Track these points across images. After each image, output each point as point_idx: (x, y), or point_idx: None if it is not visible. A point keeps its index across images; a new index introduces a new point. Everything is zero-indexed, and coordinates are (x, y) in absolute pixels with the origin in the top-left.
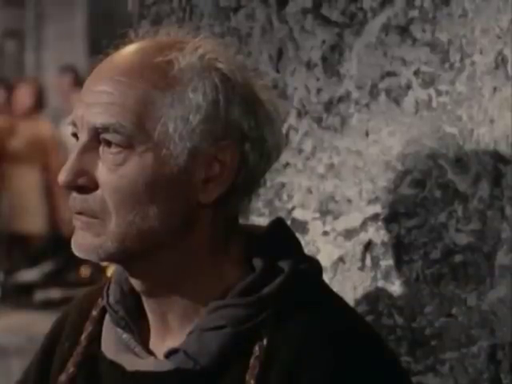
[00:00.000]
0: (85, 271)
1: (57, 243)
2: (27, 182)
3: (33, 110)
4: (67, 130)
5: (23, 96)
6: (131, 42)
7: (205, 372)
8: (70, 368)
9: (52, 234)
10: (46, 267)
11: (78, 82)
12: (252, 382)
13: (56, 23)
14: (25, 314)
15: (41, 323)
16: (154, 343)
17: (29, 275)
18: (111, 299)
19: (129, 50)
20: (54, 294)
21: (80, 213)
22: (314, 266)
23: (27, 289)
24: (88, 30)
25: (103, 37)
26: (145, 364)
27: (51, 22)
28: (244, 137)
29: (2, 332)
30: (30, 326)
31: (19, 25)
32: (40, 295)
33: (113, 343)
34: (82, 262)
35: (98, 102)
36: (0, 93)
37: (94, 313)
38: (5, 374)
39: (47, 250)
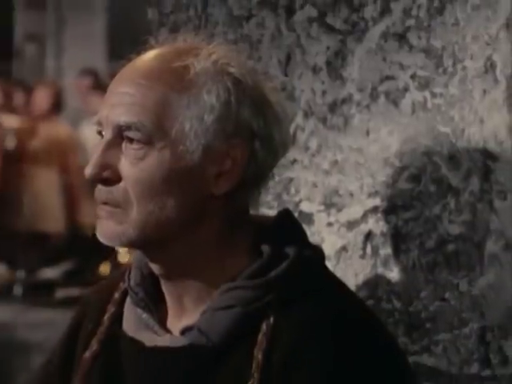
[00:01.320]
0: (104, 270)
1: (76, 242)
2: (46, 182)
3: (51, 112)
4: (86, 131)
5: (42, 98)
6: (151, 48)
7: (216, 347)
8: (94, 346)
9: (71, 234)
10: (65, 266)
11: (97, 84)
12: (260, 356)
13: (76, 27)
14: (45, 311)
15: (61, 320)
16: (170, 322)
17: (49, 274)
18: (132, 282)
19: (149, 55)
20: (74, 292)
21: (104, 203)
22: (318, 253)
23: (48, 287)
24: (107, 35)
25: (122, 41)
26: (162, 340)
27: (71, 26)
28: (253, 135)
29: (24, 328)
30: (50, 323)
31: (39, 29)
32: (60, 293)
33: (133, 322)
34: (100, 260)
35: (121, 102)
36: (19, 95)
37: (116, 295)
38: (26, 369)
39: (67, 249)
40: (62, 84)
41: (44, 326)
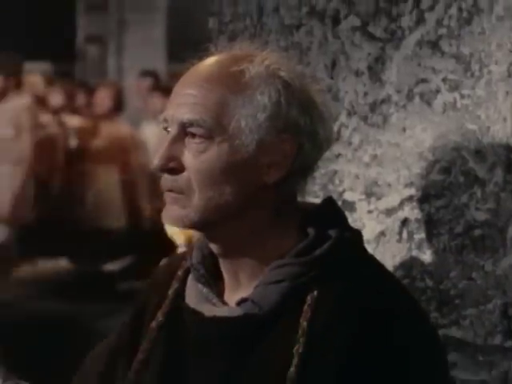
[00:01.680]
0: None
1: (137, 237)
2: (108, 179)
3: (113, 112)
4: (146, 130)
5: (103, 99)
6: (211, 54)
7: (267, 316)
8: (160, 317)
9: (132, 229)
10: (126, 260)
11: (157, 86)
12: (304, 324)
13: (137, 29)
14: (107, 303)
15: (122, 312)
16: (227, 295)
17: (111, 268)
18: (194, 261)
19: (209, 61)
20: (135, 285)
21: (170, 190)
22: (357, 235)
23: (109, 281)
24: (167, 37)
25: (181, 43)
26: (220, 311)
27: (132, 28)
28: (301, 131)
29: (87, 321)
30: (111, 316)
31: (101, 30)
32: (121, 286)
33: (194, 296)
34: (160, 255)
35: (185, 102)
36: (82, 96)
37: (179, 273)
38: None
39: (128, 244)
40: (123, 85)
41: (106, 318)
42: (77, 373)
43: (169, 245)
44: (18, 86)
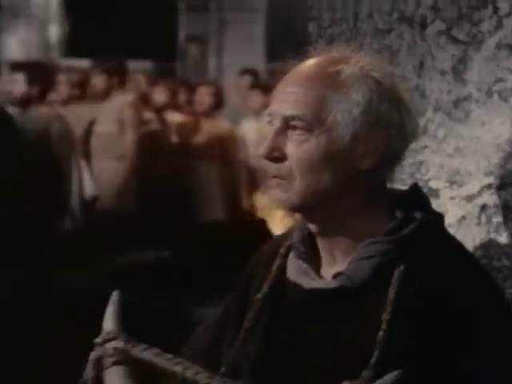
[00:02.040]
0: None
1: (236, 230)
2: (208, 174)
3: (213, 109)
4: (246, 127)
5: (204, 96)
6: (311, 56)
7: (359, 288)
8: (265, 289)
9: (231, 222)
10: (225, 252)
11: (257, 84)
12: (392, 295)
13: (236, 28)
14: (205, 294)
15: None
16: (324, 270)
17: (210, 259)
18: (295, 240)
19: (309, 62)
20: (233, 275)
21: (274, 176)
22: (439, 218)
23: (208, 272)
24: (266, 36)
25: (280, 42)
26: (317, 284)
27: (232, 27)
28: (390, 125)
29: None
30: (210, 305)
31: (202, 30)
32: (219, 277)
33: (295, 271)
34: (258, 245)
35: (288, 99)
36: (183, 94)
37: (282, 250)
38: None
39: (227, 237)
40: (223, 83)
41: (203, 308)
42: (186, 345)
43: (265, 236)
44: (122, 84)
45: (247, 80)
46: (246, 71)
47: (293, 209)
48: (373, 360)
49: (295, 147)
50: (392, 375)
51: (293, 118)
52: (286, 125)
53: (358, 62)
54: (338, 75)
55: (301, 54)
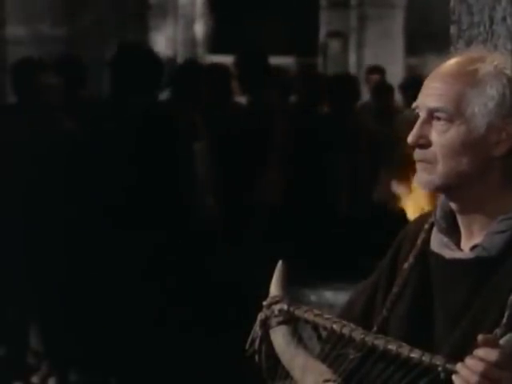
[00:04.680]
0: None
1: (378, 219)
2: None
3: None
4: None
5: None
6: (452, 55)
7: (494, 258)
8: (411, 259)
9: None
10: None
11: (383, 81)
12: None
13: (376, 24)
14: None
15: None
16: (462, 243)
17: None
18: (437, 216)
19: (451, 61)
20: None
21: (420, 161)
22: None
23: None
24: (405, 31)
25: (418, 38)
26: (457, 254)
27: (372, 23)
28: None
29: (330, 294)
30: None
31: (343, 26)
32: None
33: (437, 244)
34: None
35: (433, 93)
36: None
37: (426, 226)
38: None
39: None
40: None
41: (348, 291)
42: (344, 304)
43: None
44: None
45: (374, 77)
46: (374, 69)
47: (436, 189)
48: (504, 320)
49: (438, 135)
50: None
51: (436, 109)
52: (431, 116)
53: (493, 61)
54: (476, 73)
55: (441, 51)
